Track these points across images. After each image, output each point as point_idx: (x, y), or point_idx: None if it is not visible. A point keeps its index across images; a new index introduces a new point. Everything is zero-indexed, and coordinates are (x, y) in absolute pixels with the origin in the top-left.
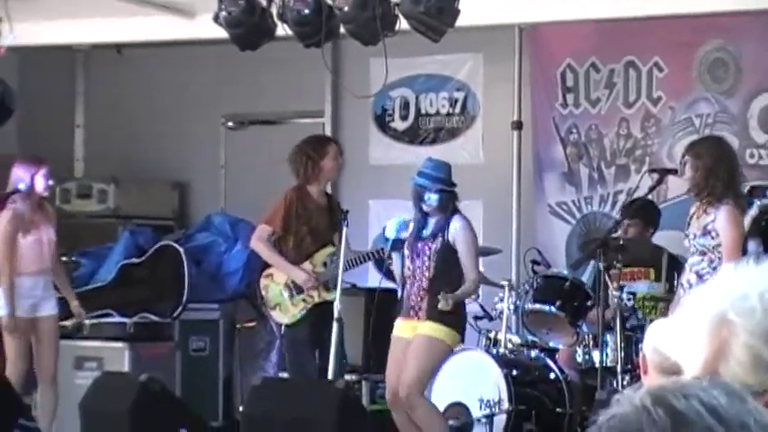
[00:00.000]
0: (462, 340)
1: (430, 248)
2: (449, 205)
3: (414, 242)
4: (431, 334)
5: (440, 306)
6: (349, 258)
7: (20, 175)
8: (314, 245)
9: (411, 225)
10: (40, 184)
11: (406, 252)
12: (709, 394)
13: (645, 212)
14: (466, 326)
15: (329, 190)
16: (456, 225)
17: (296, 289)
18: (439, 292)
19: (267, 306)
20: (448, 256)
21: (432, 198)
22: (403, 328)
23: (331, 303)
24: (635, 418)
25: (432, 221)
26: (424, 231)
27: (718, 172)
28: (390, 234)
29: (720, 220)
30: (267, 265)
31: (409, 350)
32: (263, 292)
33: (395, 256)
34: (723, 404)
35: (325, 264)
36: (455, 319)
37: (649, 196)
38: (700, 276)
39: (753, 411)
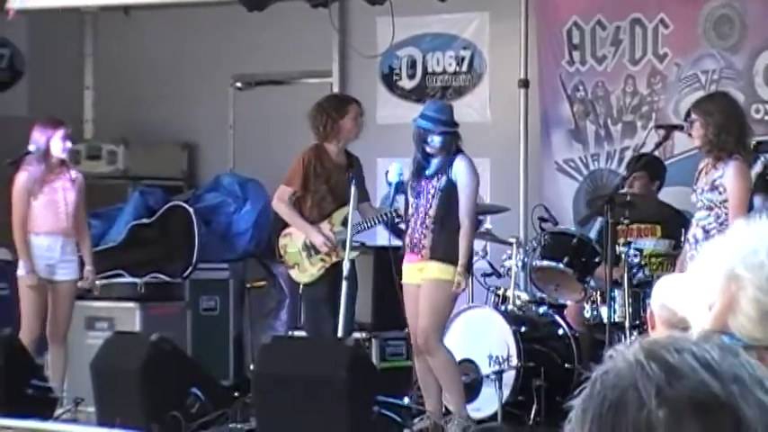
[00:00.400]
0: (470, 274)
1: (434, 186)
2: (452, 146)
3: (416, 180)
4: (439, 276)
5: (456, 283)
6: (358, 222)
7: (37, 138)
8: (333, 203)
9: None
10: (57, 146)
11: (409, 191)
12: (701, 348)
13: (650, 166)
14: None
15: None
16: (460, 164)
17: (314, 249)
18: (442, 231)
19: (286, 265)
20: (451, 194)
21: (435, 140)
22: (410, 274)
23: (352, 261)
24: (628, 373)
25: (435, 161)
26: (427, 171)
27: (729, 128)
28: (393, 178)
29: (728, 175)
30: (283, 225)
31: (421, 295)
32: (282, 252)
33: (399, 198)
34: (716, 358)
35: (343, 222)
36: (457, 255)
37: (656, 152)
38: (706, 231)
39: (745, 365)
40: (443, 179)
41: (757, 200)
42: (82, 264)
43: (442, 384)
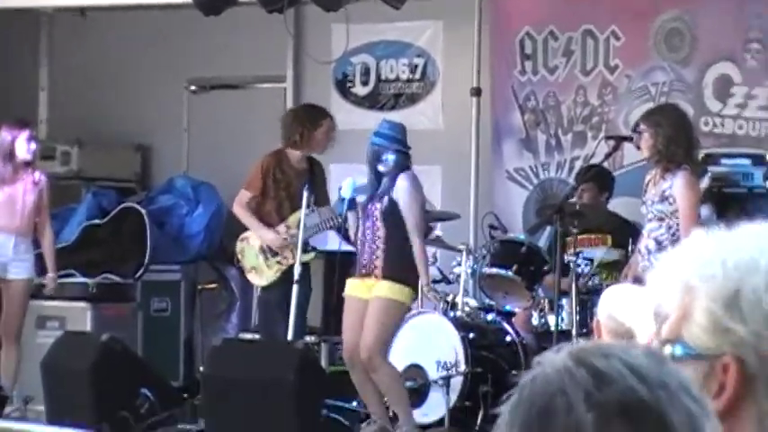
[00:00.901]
0: (417, 296)
1: (377, 208)
2: (403, 166)
3: (366, 203)
4: (389, 295)
5: (429, 297)
6: (315, 223)
7: (2, 138)
8: (292, 208)
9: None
10: (22, 147)
11: (359, 213)
12: (629, 354)
13: (599, 177)
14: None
15: None
16: (401, 183)
17: (270, 252)
18: (392, 252)
19: (244, 269)
20: (395, 213)
21: (389, 158)
22: (357, 288)
23: (306, 264)
24: (556, 379)
25: (384, 182)
26: (374, 192)
27: (678, 139)
28: (346, 194)
29: (678, 185)
30: (238, 229)
31: (368, 312)
32: (239, 256)
33: (350, 215)
34: (643, 364)
35: (300, 225)
36: (410, 276)
37: (605, 163)
38: (658, 243)
39: (672, 372)
40: (386, 200)
41: (704, 210)
42: (38, 263)
43: (388, 399)
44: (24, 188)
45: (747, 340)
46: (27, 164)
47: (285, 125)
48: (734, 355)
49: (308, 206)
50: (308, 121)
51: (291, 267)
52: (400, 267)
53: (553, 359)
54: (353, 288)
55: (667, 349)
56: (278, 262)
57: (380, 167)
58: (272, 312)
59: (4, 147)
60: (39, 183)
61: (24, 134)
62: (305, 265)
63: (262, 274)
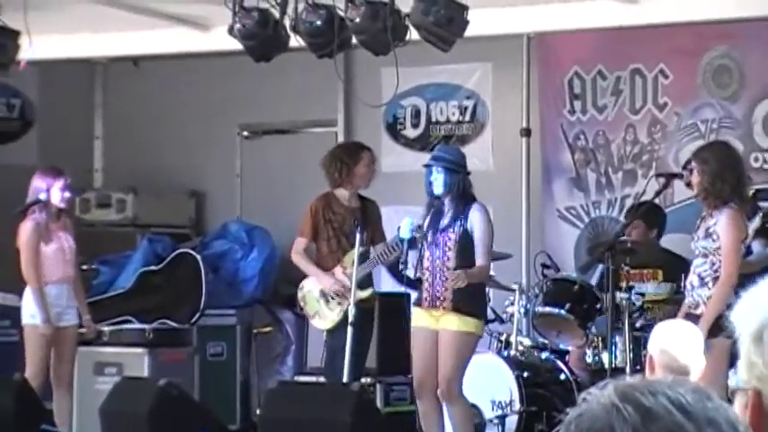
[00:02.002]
0: (486, 323)
1: (450, 239)
2: (457, 187)
3: (432, 233)
4: (461, 328)
5: (455, 285)
6: (372, 258)
7: (38, 186)
8: (347, 248)
9: (425, 217)
10: (56, 195)
11: (425, 244)
12: (675, 391)
13: (647, 215)
14: (487, 310)
15: None
16: (475, 214)
17: (330, 295)
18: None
19: (308, 316)
20: (468, 244)
21: (437, 178)
22: (424, 318)
23: (364, 301)
24: (604, 416)
25: (447, 211)
26: (442, 222)
27: (724, 176)
28: (405, 234)
29: (721, 222)
30: (298, 274)
31: (442, 346)
32: (302, 303)
33: (411, 254)
34: (690, 401)
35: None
36: (478, 307)
37: (656, 200)
38: (701, 278)
39: (719, 408)
40: (459, 230)
41: (756, 245)
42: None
43: None
44: (65, 235)
45: (765, 374)
46: (60, 211)
47: (325, 166)
48: (756, 388)
49: (361, 244)
50: (347, 156)
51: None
52: (468, 299)
53: (599, 396)
54: (421, 319)
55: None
56: (338, 303)
57: (434, 190)
58: (338, 355)
59: (39, 195)
60: (69, 227)
61: (59, 183)
62: (365, 304)
63: (325, 318)
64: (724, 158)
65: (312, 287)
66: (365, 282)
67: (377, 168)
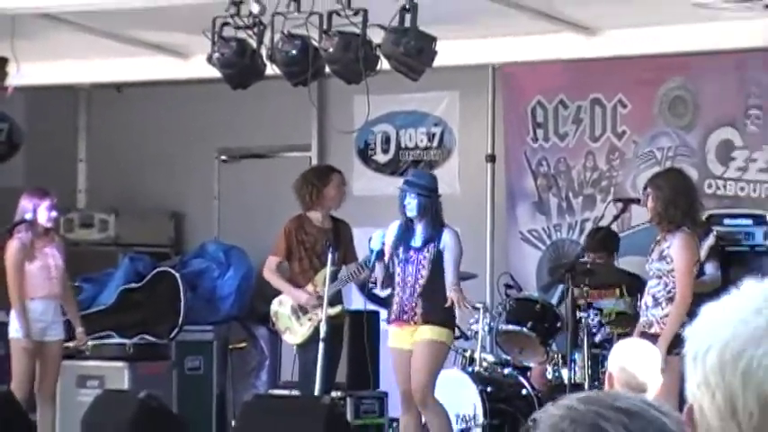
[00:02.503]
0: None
1: (425, 257)
2: (429, 211)
3: (404, 250)
4: (432, 338)
5: (460, 304)
6: (341, 278)
7: (25, 206)
8: (318, 268)
9: (392, 231)
10: (43, 215)
11: (396, 260)
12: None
13: (606, 242)
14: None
15: None
16: (448, 236)
17: (301, 310)
18: (432, 297)
19: (279, 331)
20: (440, 263)
21: (411, 202)
22: (400, 338)
23: (335, 318)
24: (588, 418)
25: (419, 231)
26: (413, 241)
27: (677, 202)
28: (375, 245)
29: (675, 246)
30: (271, 292)
31: (415, 355)
32: (274, 319)
33: (378, 265)
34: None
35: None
36: (449, 319)
37: (614, 224)
38: (655, 299)
39: (672, 414)
40: (433, 250)
41: (709, 267)
42: (66, 325)
43: None
44: (52, 254)
45: (695, 393)
46: (47, 230)
47: (297, 189)
48: (690, 403)
49: (333, 263)
50: (317, 179)
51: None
52: (439, 312)
53: (562, 405)
54: (397, 339)
55: None
56: (309, 319)
57: (407, 213)
58: (310, 369)
59: (26, 215)
60: (59, 246)
61: (45, 203)
62: (335, 321)
63: (296, 334)
64: (677, 185)
65: (285, 304)
66: (335, 299)
67: (348, 191)
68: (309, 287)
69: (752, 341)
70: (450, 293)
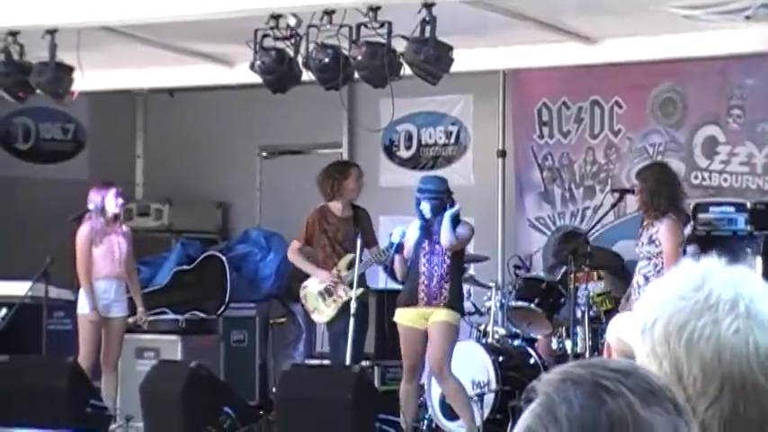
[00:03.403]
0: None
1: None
2: (442, 209)
3: (429, 244)
4: (449, 320)
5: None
6: (364, 262)
7: (92, 197)
8: (343, 252)
9: (414, 230)
10: (111, 203)
11: (421, 253)
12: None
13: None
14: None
15: None
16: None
17: (327, 293)
18: (454, 283)
19: (308, 311)
20: (457, 253)
21: (425, 207)
22: (414, 319)
23: (360, 297)
24: (587, 378)
25: (437, 228)
26: (435, 237)
27: (661, 191)
28: (395, 239)
29: (662, 231)
30: (299, 275)
31: (433, 334)
32: (303, 300)
33: (397, 258)
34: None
35: (348, 266)
36: (461, 304)
37: (611, 211)
38: (646, 278)
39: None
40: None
41: (691, 248)
42: (129, 303)
43: (455, 407)
44: (117, 239)
45: (643, 361)
46: (116, 217)
47: (319, 182)
48: (610, 343)
49: (361, 249)
50: (337, 172)
51: (346, 303)
52: (458, 297)
53: (560, 371)
54: (408, 318)
55: None
56: (334, 300)
57: (425, 215)
58: (338, 342)
59: (97, 204)
60: (126, 234)
61: (111, 191)
62: (360, 300)
63: (323, 313)
64: (660, 177)
65: (312, 288)
66: (359, 281)
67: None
68: (333, 271)
69: (693, 314)
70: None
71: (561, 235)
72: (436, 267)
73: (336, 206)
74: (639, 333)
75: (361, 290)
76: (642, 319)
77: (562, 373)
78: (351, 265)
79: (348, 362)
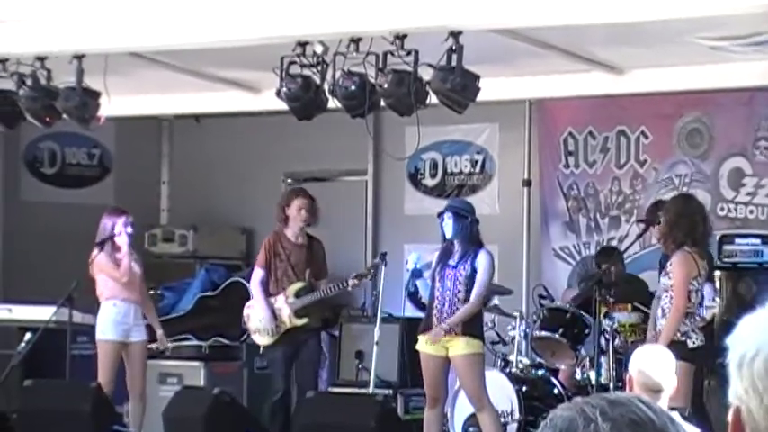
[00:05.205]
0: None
1: (461, 274)
2: (466, 231)
3: (442, 269)
4: (471, 351)
5: (432, 337)
6: (315, 293)
7: (105, 223)
8: (294, 278)
9: (435, 255)
10: (119, 230)
11: (437, 277)
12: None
13: (608, 252)
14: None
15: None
16: (482, 257)
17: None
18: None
19: (249, 331)
20: (473, 279)
21: (447, 223)
22: (435, 346)
23: (300, 328)
24: (574, 408)
25: (456, 252)
26: (451, 260)
27: (679, 224)
28: (411, 265)
29: (674, 263)
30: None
31: (462, 371)
32: (245, 320)
33: (419, 282)
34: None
35: (296, 294)
36: (480, 330)
37: (636, 242)
38: (663, 311)
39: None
40: (468, 268)
41: (708, 288)
42: (149, 329)
43: None
44: (132, 264)
45: (743, 396)
46: (120, 244)
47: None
48: (737, 405)
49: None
50: (284, 201)
51: (288, 330)
52: (474, 324)
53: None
54: (432, 346)
55: None
56: (276, 326)
57: (446, 234)
58: (273, 366)
59: (106, 231)
60: (138, 260)
61: (122, 219)
62: (300, 329)
63: (264, 337)
64: (679, 209)
65: (257, 308)
66: (301, 312)
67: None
68: (281, 297)
69: None
70: (444, 324)
71: (598, 249)
72: (448, 292)
73: (289, 232)
74: (736, 368)
75: (303, 320)
76: (739, 353)
77: (572, 402)
78: (299, 294)
79: (371, 389)
